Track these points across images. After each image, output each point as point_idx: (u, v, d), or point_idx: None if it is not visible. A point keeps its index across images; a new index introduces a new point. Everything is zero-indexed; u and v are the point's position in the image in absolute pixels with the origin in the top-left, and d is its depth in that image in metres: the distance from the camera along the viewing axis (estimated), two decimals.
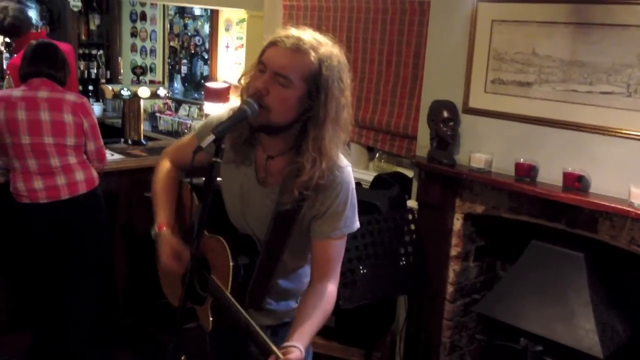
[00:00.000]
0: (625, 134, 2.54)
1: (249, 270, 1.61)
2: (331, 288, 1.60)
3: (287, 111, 1.50)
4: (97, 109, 5.61)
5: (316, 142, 1.51)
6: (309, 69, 1.49)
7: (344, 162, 1.61)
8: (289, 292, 1.74)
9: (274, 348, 1.41)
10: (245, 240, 1.65)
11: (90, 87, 6.02)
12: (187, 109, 5.46)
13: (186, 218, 1.81)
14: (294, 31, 1.52)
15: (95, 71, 6.06)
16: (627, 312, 2.74)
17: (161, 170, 1.81)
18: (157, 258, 1.71)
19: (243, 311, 1.54)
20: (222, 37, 4.50)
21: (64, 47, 3.61)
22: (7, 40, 5.51)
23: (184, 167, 1.82)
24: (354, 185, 1.62)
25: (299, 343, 1.46)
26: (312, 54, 1.49)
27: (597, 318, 2.59)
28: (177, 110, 5.54)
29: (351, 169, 1.63)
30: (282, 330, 1.73)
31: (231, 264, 1.57)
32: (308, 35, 1.53)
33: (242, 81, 1.59)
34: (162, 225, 1.70)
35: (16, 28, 3.55)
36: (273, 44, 1.50)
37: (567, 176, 2.66)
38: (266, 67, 1.49)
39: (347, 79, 1.56)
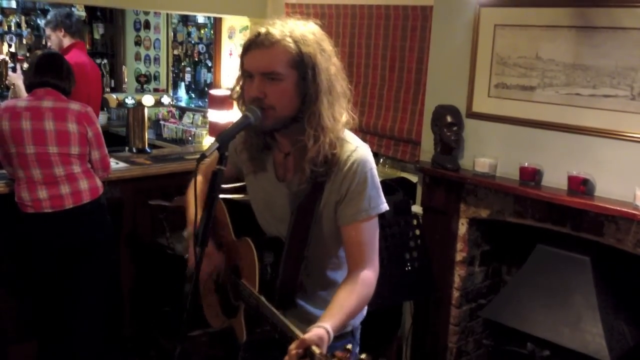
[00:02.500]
0: (629, 136, 2.54)
1: (276, 268, 1.58)
2: (366, 273, 1.55)
3: (289, 102, 1.50)
4: (101, 117, 5.62)
5: (314, 117, 1.50)
6: (290, 55, 1.48)
7: (358, 141, 1.59)
8: (324, 299, 1.66)
9: (298, 332, 1.38)
10: (272, 240, 1.63)
11: None
12: (191, 116, 5.47)
13: (221, 233, 1.78)
14: (260, 29, 1.51)
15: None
16: (634, 316, 2.73)
17: (194, 184, 1.78)
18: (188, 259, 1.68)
19: (270, 305, 1.51)
20: (226, 44, 4.52)
21: (86, 59, 3.70)
22: (12, 50, 5.57)
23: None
24: (372, 165, 1.58)
25: (326, 323, 1.41)
26: (286, 40, 1.48)
27: (604, 322, 2.57)
28: (181, 118, 5.56)
29: (368, 149, 1.59)
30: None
31: (256, 260, 1.56)
32: (275, 25, 1.51)
33: (234, 96, 1.61)
34: (192, 225, 1.66)
35: (80, 27, 3.70)
36: (247, 49, 1.50)
37: (572, 180, 2.66)
38: (252, 73, 1.50)
39: (328, 46, 1.54)
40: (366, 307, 1.71)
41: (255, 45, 1.48)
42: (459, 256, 3.05)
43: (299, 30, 1.50)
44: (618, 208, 2.47)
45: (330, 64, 1.54)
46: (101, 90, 4.06)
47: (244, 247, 1.63)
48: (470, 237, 3.03)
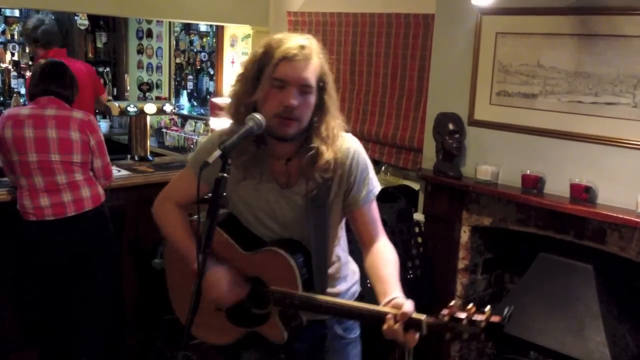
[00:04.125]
0: (631, 144, 2.53)
1: (308, 265, 1.66)
2: (384, 241, 1.70)
3: (309, 114, 1.58)
4: (103, 125, 5.64)
5: (328, 128, 1.59)
6: (318, 69, 1.57)
7: (344, 134, 1.68)
8: (332, 275, 1.77)
9: (385, 309, 1.48)
10: (289, 242, 1.68)
11: None
12: (193, 124, 5.48)
13: (218, 253, 1.74)
14: (294, 40, 1.55)
15: None
16: (638, 324, 2.72)
17: (166, 214, 1.79)
18: (205, 292, 1.62)
19: (329, 298, 1.62)
20: (228, 52, 4.53)
21: (84, 66, 3.67)
22: (15, 58, 5.59)
23: (185, 204, 1.79)
24: (363, 150, 1.70)
25: (395, 293, 1.54)
26: (318, 55, 1.57)
27: (608, 330, 2.56)
28: (183, 125, 5.57)
29: (353, 137, 1.70)
30: (345, 321, 1.80)
31: (293, 263, 1.62)
32: (305, 38, 1.58)
33: (242, 107, 1.60)
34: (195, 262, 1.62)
35: (46, 37, 3.61)
36: (284, 59, 1.52)
37: (574, 187, 2.65)
38: (286, 83, 1.52)
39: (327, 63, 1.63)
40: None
41: (296, 57, 1.52)
42: (461, 264, 3.04)
43: (318, 45, 1.59)
44: (621, 216, 2.47)
45: (332, 78, 1.62)
46: (90, 89, 3.95)
47: (268, 256, 1.66)
48: (473, 245, 3.03)
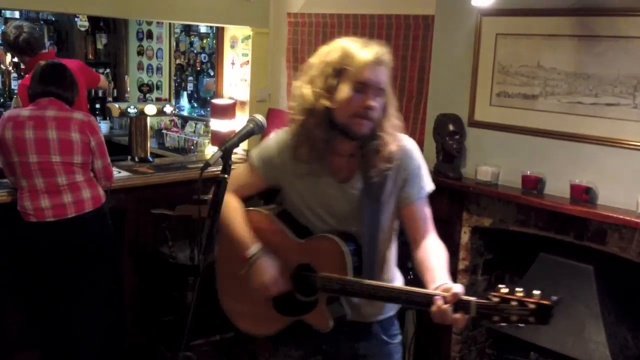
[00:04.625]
0: (631, 145, 2.54)
1: (359, 255, 1.72)
2: (435, 238, 1.77)
3: (379, 114, 1.67)
4: (104, 127, 5.64)
5: (389, 124, 1.69)
6: (389, 75, 1.69)
7: (402, 134, 1.79)
8: (384, 278, 1.83)
9: (435, 292, 1.53)
10: (342, 233, 1.74)
11: (97, 106, 6.07)
12: (194, 125, 5.48)
13: (269, 240, 1.83)
14: (370, 46, 1.65)
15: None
16: (638, 325, 2.72)
17: (227, 201, 1.81)
18: (251, 279, 1.76)
19: (378, 282, 1.68)
20: (228, 54, 4.53)
21: (73, 63, 3.65)
22: (15, 60, 5.58)
23: (242, 195, 1.89)
24: (417, 146, 1.80)
25: (444, 280, 1.59)
26: (389, 62, 1.67)
27: (608, 331, 2.57)
28: (183, 127, 5.57)
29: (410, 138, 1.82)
30: (387, 323, 1.88)
31: (345, 249, 1.68)
32: (377, 45, 1.67)
33: (319, 104, 1.64)
34: (254, 244, 1.77)
35: (30, 46, 3.56)
36: (367, 64, 1.61)
37: (574, 188, 2.66)
38: (368, 87, 1.61)
39: None
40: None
41: (379, 62, 1.63)
42: (461, 265, 3.04)
43: (386, 50, 1.68)
44: (621, 216, 2.47)
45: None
46: (84, 87, 3.90)
47: (322, 243, 1.74)
48: (473, 246, 3.03)
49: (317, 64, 1.67)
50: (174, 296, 3.41)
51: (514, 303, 1.41)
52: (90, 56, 6.05)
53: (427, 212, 1.79)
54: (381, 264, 1.80)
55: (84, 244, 2.94)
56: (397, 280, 1.91)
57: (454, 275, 3.04)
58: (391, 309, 1.90)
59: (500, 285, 1.45)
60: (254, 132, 1.77)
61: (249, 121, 1.79)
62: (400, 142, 1.74)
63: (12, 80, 5.52)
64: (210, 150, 4.71)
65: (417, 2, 3.45)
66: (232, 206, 1.85)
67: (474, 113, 3.01)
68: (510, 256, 3.13)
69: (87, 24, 5.85)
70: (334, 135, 1.67)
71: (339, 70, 1.62)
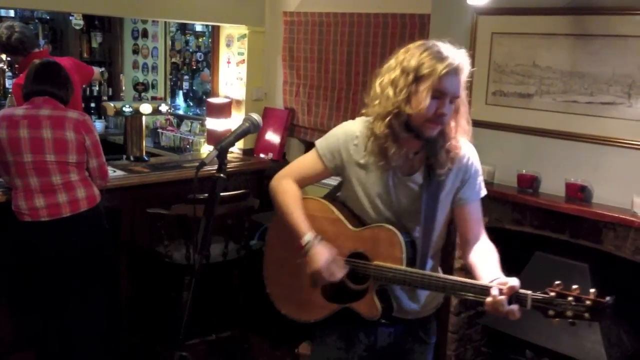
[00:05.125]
0: (626, 143, 2.54)
1: (414, 247, 1.79)
2: (487, 240, 1.85)
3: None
4: (99, 126, 5.63)
5: (459, 127, 1.76)
6: (465, 82, 1.73)
7: (466, 141, 1.86)
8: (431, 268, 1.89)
9: (489, 283, 1.59)
10: (400, 226, 1.81)
11: (93, 105, 6.05)
12: (189, 124, 5.47)
13: (326, 229, 1.88)
14: (451, 54, 1.68)
15: (97, 88, 6.09)
16: (633, 323, 2.73)
17: (287, 188, 1.91)
18: (310, 264, 1.79)
19: (432, 272, 1.76)
20: (224, 52, 4.53)
21: (66, 61, 3.63)
22: (9, 59, 5.57)
23: (302, 182, 1.94)
24: (476, 153, 1.87)
25: (499, 274, 1.65)
26: (466, 69, 1.71)
27: (603, 329, 2.57)
28: (179, 126, 5.56)
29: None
30: (428, 322, 1.96)
31: (402, 240, 1.75)
32: (456, 51, 1.71)
33: (406, 107, 1.69)
34: (314, 234, 1.81)
35: (22, 45, 3.55)
36: (448, 74, 1.66)
37: (569, 187, 2.66)
38: (444, 95, 1.67)
39: None
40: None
41: (455, 72, 1.68)
42: (457, 263, 3.04)
43: (465, 55, 1.72)
44: (616, 215, 2.48)
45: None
46: (78, 84, 3.87)
47: (379, 232, 1.79)
48: None
49: (398, 67, 1.72)
50: (170, 296, 3.41)
51: (570, 299, 1.46)
52: (85, 55, 6.03)
53: (480, 214, 1.87)
54: (434, 257, 1.88)
55: (79, 243, 2.93)
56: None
57: (450, 274, 3.04)
58: (431, 309, 1.96)
59: (556, 282, 1.50)
60: (249, 131, 1.79)
61: (244, 120, 1.80)
62: (464, 146, 1.82)
63: (6, 79, 5.50)
64: (206, 149, 4.70)
65: (413, 1, 3.45)
66: (290, 193, 1.90)
67: (470, 112, 3.01)
68: (506, 255, 3.13)
69: (82, 22, 5.83)
70: (410, 135, 1.74)
71: (419, 77, 1.67)
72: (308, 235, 1.80)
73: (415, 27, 3.45)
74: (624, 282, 2.75)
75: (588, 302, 1.44)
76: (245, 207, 3.42)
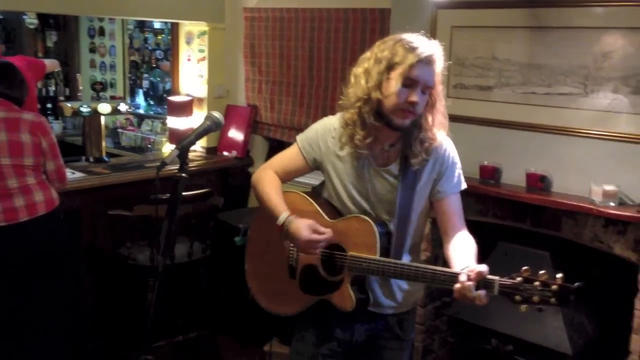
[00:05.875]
0: (583, 133, 2.60)
1: (388, 238, 1.80)
2: (466, 232, 1.85)
3: (422, 108, 1.76)
4: (56, 127, 5.49)
5: (434, 118, 1.78)
6: (438, 73, 1.75)
7: (445, 135, 1.88)
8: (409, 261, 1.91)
9: (458, 270, 1.61)
10: (375, 217, 1.83)
11: (49, 105, 5.90)
12: (150, 123, 5.39)
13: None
14: (424, 45, 1.71)
15: (53, 89, 5.95)
16: (594, 309, 2.80)
17: (267, 178, 1.93)
18: (294, 242, 1.81)
19: (404, 262, 1.76)
20: (184, 50, 4.46)
21: (18, 61, 3.52)
22: None
23: (285, 180, 1.96)
24: (454, 146, 1.90)
25: (470, 263, 1.66)
26: (440, 61, 1.73)
27: (565, 316, 2.63)
28: (139, 125, 5.46)
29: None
30: (405, 318, 1.96)
31: (376, 230, 1.76)
32: (429, 42, 1.74)
33: (374, 95, 1.73)
34: (289, 213, 1.82)
35: None
36: (419, 62, 1.68)
37: (529, 177, 2.71)
38: (415, 83, 1.69)
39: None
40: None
41: (427, 61, 1.70)
42: (423, 255, 3.07)
43: (439, 48, 1.74)
44: (575, 203, 2.54)
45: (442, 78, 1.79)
46: (33, 82, 3.74)
47: (354, 223, 1.82)
48: (434, 237, 3.06)
49: (373, 57, 1.75)
50: (135, 298, 3.35)
51: (537, 284, 1.47)
52: (41, 54, 5.89)
53: (459, 207, 1.89)
54: (410, 249, 1.89)
55: (39, 248, 2.85)
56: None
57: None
58: (409, 305, 1.96)
59: (524, 268, 1.51)
60: (211, 129, 1.78)
61: (206, 118, 1.79)
62: (441, 138, 1.84)
63: None
64: (169, 149, 4.63)
65: None
66: (269, 181, 1.92)
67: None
68: None
69: (36, 21, 5.67)
70: (380, 124, 1.76)
71: (391, 66, 1.70)
72: (284, 215, 1.82)
73: (376, 22, 3.46)
74: (584, 268, 2.82)
75: (554, 287, 1.46)
76: (209, 206, 3.38)
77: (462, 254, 1.75)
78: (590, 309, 2.78)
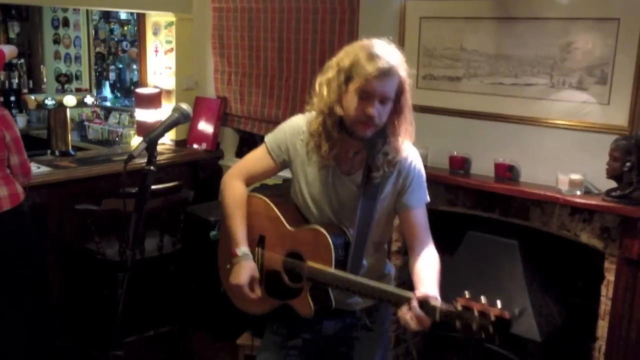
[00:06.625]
0: (550, 123, 2.64)
1: (346, 249, 1.80)
2: (431, 247, 1.83)
3: (386, 118, 1.74)
4: (20, 120, 5.36)
5: (399, 128, 1.77)
6: (398, 83, 1.72)
7: (410, 144, 1.86)
8: (373, 271, 1.92)
9: (409, 293, 1.58)
10: (335, 226, 1.84)
11: (12, 98, 5.75)
12: (118, 116, 5.29)
13: (266, 227, 1.93)
14: (385, 56, 1.68)
15: (16, 81, 5.79)
16: (561, 296, 2.85)
17: (233, 191, 1.93)
18: (231, 274, 1.84)
19: (357, 277, 1.73)
20: (151, 41, 4.39)
21: None
22: None
23: (253, 177, 1.96)
24: (420, 158, 1.88)
25: (428, 289, 1.63)
26: (399, 71, 1.71)
27: (533, 302, 2.68)
28: (106, 118, 5.37)
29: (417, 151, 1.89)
30: (375, 310, 1.96)
31: (331, 242, 1.76)
32: (390, 53, 1.71)
33: (337, 108, 1.73)
34: (244, 246, 1.85)
35: None
36: (373, 77, 1.66)
37: (498, 167, 2.74)
38: (371, 96, 1.68)
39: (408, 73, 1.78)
40: None
41: (383, 75, 1.67)
42: (394, 246, 3.09)
43: (401, 58, 1.73)
44: (542, 192, 2.58)
45: (409, 89, 1.77)
46: None
47: (311, 234, 1.81)
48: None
49: (334, 67, 1.75)
50: (104, 294, 3.30)
51: (475, 312, 1.44)
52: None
53: (425, 220, 1.87)
54: (369, 260, 1.88)
55: (4, 244, 2.78)
56: (385, 278, 1.99)
57: (388, 256, 3.09)
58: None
59: (465, 292, 1.48)
60: (179, 121, 1.76)
61: (174, 111, 1.77)
62: (407, 149, 1.83)
63: None
64: (137, 141, 4.56)
65: None
66: (235, 196, 1.91)
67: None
68: (441, 235, 3.20)
69: None
70: (344, 135, 1.76)
71: (348, 77, 1.70)
72: (241, 249, 1.84)
73: (345, 13, 3.45)
74: (551, 257, 2.87)
75: (492, 317, 1.41)
76: (179, 199, 3.34)
77: (424, 276, 1.72)
78: (558, 296, 2.84)
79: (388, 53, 1.70)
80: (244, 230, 1.87)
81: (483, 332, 1.42)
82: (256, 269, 1.85)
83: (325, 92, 1.75)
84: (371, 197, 1.81)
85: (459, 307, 1.46)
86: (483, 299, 1.45)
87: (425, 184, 1.89)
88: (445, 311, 1.50)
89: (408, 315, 1.55)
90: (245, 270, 1.81)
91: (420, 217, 1.86)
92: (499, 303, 1.44)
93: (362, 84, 1.67)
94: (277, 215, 1.89)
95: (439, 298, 1.58)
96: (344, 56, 1.73)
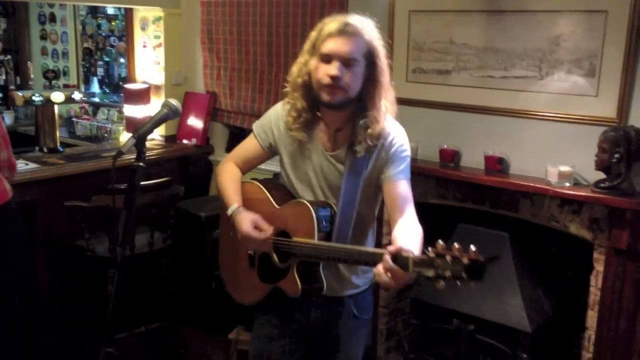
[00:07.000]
0: (539, 115, 2.66)
1: (332, 222, 1.79)
2: (414, 219, 1.80)
3: (357, 85, 1.75)
4: (7, 117, 5.31)
5: (379, 100, 1.78)
6: (365, 45, 1.73)
7: (393, 119, 1.87)
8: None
9: (382, 250, 1.54)
10: (321, 202, 1.85)
11: None
12: (106, 112, 5.25)
13: (257, 210, 1.91)
14: (342, 19, 1.72)
15: (3, 77, 5.73)
16: (551, 287, 2.87)
17: (226, 169, 1.99)
18: (235, 233, 1.85)
19: (335, 243, 1.73)
20: (139, 36, 4.35)
21: None
22: None
23: (244, 164, 2.01)
24: (404, 132, 1.88)
25: (402, 245, 1.58)
26: (364, 31, 1.72)
27: (524, 294, 2.70)
28: (95, 114, 5.33)
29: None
30: (361, 298, 1.97)
31: (313, 212, 1.76)
32: (354, 18, 1.74)
33: (299, 79, 1.80)
34: (238, 205, 1.88)
35: None
36: (329, 36, 1.71)
37: (488, 159, 2.75)
38: (332, 57, 1.70)
39: (382, 41, 1.80)
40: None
41: (340, 33, 1.70)
42: (385, 239, 3.10)
43: (371, 25, 1.76)
44: (532, 184, 2.59)
45: (386, 57, 1.79)
46: None
47: (296, 207, 1.83)
48: None
49: (308, 41, 1.81)
50: (95, 290, 3.29)
51: (448, 258, 1.41)
52: None
53: (408, 193, 1.85)
54: (356, 235, 1.86)
55: None
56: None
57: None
58: (363, 285, 1.97)
59: (439, 241, 1.44)
60: (168, 117, 1.75)
61: (163, 106, 1.76)
62: (390, 125, 1.83)
63: None
64: (126, 137, 4.53)
65: None
66: (227, 173, 1.98)
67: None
68: (432, 228, 3.22)
69: None
70: (316, 106, 1.80)
71: (314, 47, 1.76)
72: (233, 206, 1.87)
73: (334, 6, 3.44)
74: (541, 248, 2.89)
75: (465, 261, 1.39)
76: (169, 195, 3.33)
77: (400, 236, 1.70)
78: (547, 287, 2.86)
79: (355, 18, 1.73)
80: (236, 194, 1.91)
81: (457, 279, 1.40)
82: (254, 214, 1.85)
83: (295, 67, 1.83)
84: (356, 171, 1.82)
85: (432, 255, 1.43)
86: (456, 245, 1.42)
87: (408, 160, 1.87)
88: (417, 260, 1.47)
89: (382, 269, 1.52)
90: (244, 220, 1.82)
91: (400, 189, 1.83)
92: (472, 247, 1.41)
93: (322, 45, 1.71)
94: (267, 196, 1.93)
95: (413, 251, 1.54)
96: (315, 29, 1.79)
